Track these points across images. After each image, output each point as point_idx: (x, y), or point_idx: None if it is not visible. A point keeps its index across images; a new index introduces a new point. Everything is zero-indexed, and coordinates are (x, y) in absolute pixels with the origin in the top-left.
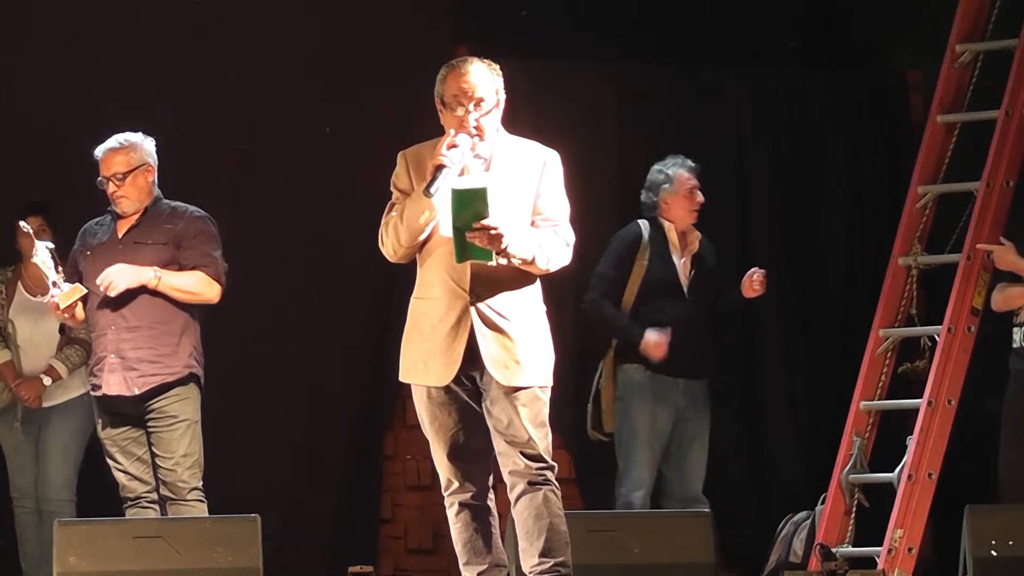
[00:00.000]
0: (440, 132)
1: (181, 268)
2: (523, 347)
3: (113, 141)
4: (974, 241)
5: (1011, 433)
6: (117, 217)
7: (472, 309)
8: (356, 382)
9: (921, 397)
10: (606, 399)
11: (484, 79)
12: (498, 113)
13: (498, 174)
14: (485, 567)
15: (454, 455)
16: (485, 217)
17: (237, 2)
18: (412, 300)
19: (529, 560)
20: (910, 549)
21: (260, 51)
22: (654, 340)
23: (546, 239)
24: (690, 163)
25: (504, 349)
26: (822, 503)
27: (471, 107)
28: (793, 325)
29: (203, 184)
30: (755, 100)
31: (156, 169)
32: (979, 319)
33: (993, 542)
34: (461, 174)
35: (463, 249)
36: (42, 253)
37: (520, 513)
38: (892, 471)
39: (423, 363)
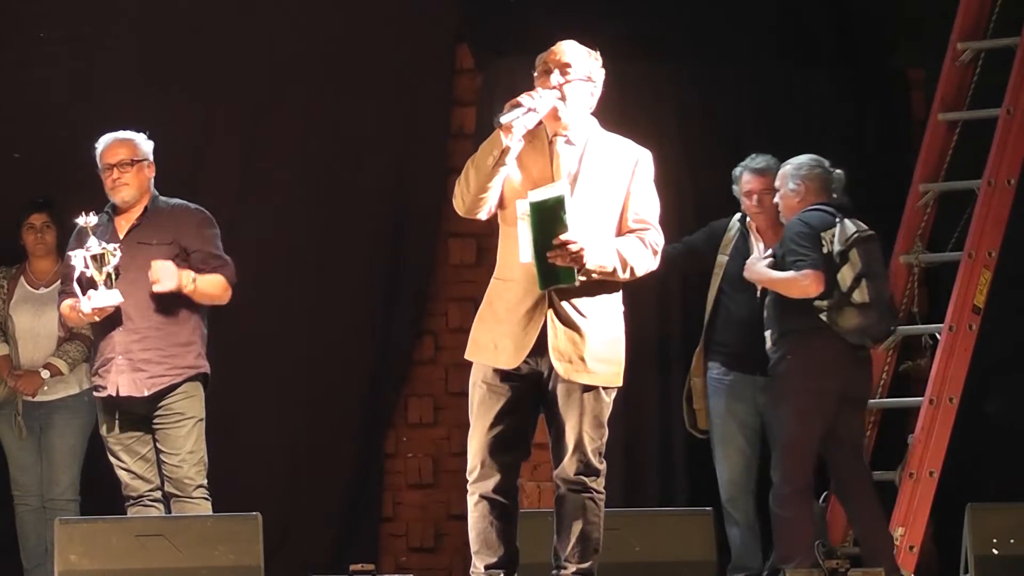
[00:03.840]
0: (440, 131)
1: (190, 269)
2: (593, 345)
3: (116, 134)
4: (976, 239)
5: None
6: (113, 216)
7: (550, 299)
8: (358, 381)
9: (922, 395)
10: (697, 398)
11: (576, 52)
12: (586, 90)
13: (588, 171)
14: (495, 560)
15: (490, 443)
16: (565, 229)
17: (236, 1)
18: (492, 280)
19: (557, 558)
20: (911, 547)
21: (259, 50)
22: None
23: (630, 248)
24: (759, 163)
25: (573, 344)
26: (824, 502)
27: (557, 72)
28: None
29: (202, 182)
30: (756, 97)
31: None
32: (980, 317)
33: (994, 540)
34: (552, 167)
35: (547, 274)
36: (95, 249)
37: (559, 510)
38: (894, 469)
39: (494, 343)
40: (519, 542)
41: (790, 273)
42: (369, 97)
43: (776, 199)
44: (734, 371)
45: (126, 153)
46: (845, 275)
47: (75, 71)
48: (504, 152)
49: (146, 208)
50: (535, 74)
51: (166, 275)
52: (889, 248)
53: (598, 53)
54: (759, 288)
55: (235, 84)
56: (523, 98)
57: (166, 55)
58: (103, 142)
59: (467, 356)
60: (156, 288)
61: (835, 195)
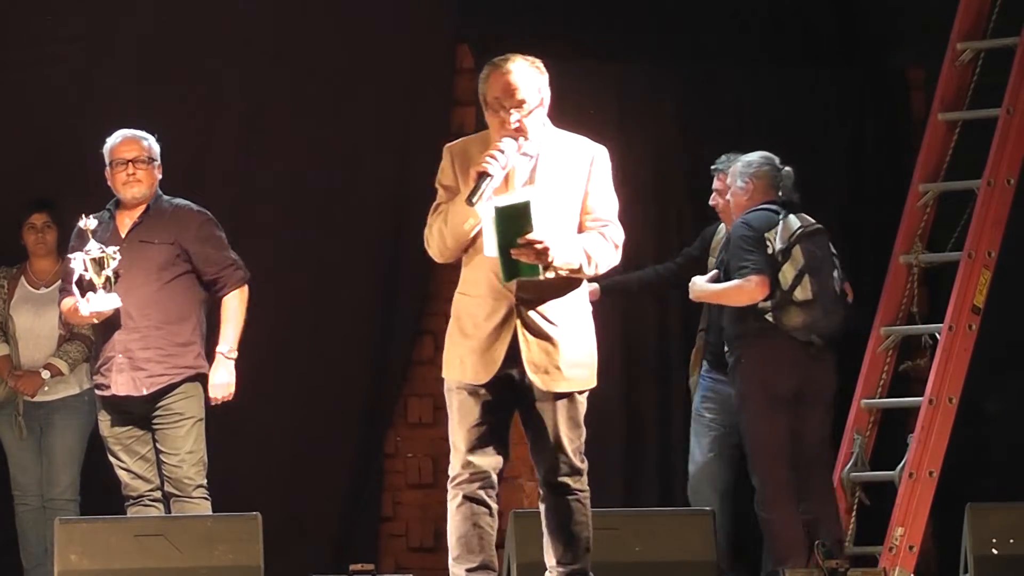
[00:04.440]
0: (440, 131)
1: (192, 273)
2: (567, 352)
3: (129, 132)
4: (975, 239)
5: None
6: (114, 213)
7: (517, 311)
8: (358, 381)
9: (922, 395)
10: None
11: (526, 78)
12: (542, 111)
13: (543, 175)
14: (475, 565)
15: (472, 448)
16: (530, 232)
17: (238, 3)
18: (456, 295)
19: (549, 561)
20: (911, 547)
21: (261, 50)
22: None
23: (593, 244)
24: (721, 162)
25: (547, 355)
26: None
27: (513, 109)
28: None
29: (202, 182)
30: (756, 98)
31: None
32: (980, 317)
33: (994, 540)
34: (506, 179)
35: (510, 268)
36: (94, 252)
37: (544, 514)
38: (893, 469)
39: (460, 360)
40: (516, 541)
41: (734, 282)
42: (369, 97)
43: (728, 196)
44: (715, 370)
45: (141, 150)
46: (786, 273)
47: (76, 71)
48: (478, 221)
49: (148, 207)
50: (481, 99)
51: (230, 385)
52: (889, 248)
53: (540, 63)
54: None
55: (235, 86)
56: (489, 166)
57: (168, 55)
58: (115, 138)
59: (443, 374)
60: (216, 398)
61: (781, 193)
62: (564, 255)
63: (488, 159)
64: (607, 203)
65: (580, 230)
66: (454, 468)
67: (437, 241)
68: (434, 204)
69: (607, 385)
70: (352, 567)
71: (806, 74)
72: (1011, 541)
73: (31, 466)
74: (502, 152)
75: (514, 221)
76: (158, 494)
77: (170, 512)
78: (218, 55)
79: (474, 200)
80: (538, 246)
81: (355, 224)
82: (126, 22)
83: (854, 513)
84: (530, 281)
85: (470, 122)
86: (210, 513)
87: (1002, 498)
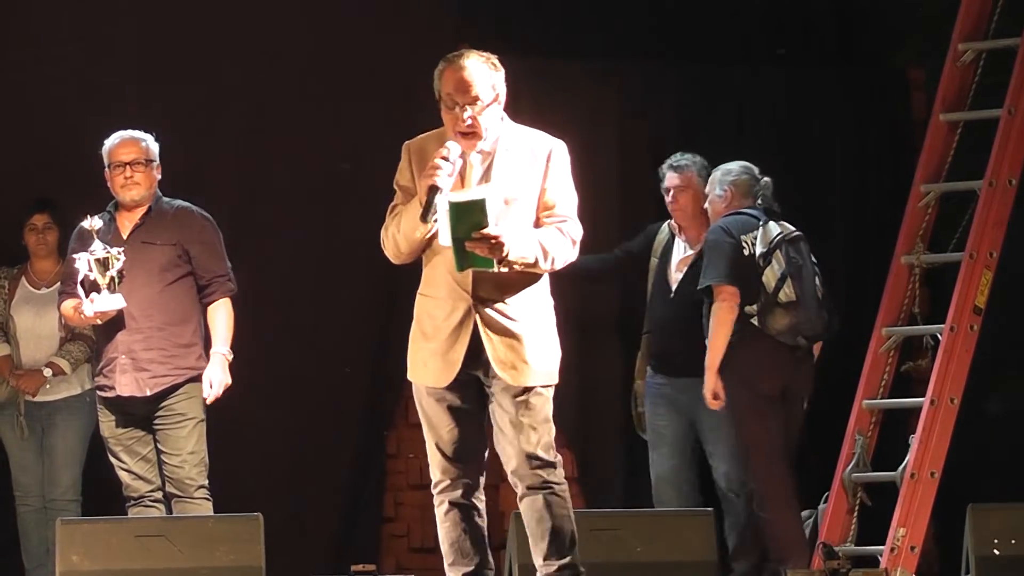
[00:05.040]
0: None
1: (192, 275)
2: (531, 346)
3: (128, 133)
4: (977, 240)
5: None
6: (115, 214)
7: (475, 310)
8: (358, 381)
9: (924, 396)
10: (640, 402)
11: (479, 75)
12: (497, 107)
13: (499, 172)
14: (471, 568)
15: (447, 453)
16: (484, 227)
17: (238, 3)
18: (418, 296)
19: (537, 560)
20: (912, 548)
21: (261, 50)
22: None
23: (549, 239)
24: (677, 160)
25: (512, 350)
26: (825, 502)
27: (467, 105)
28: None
29: (203, 183)
30: (757, 98)
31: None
32: (981, 318)
33: (995, 541)
34: (462, 175)
35: (463, 258)
36: (99, 252)
37: (524, 514)
38: (895, 470)
39: (423, 363)
40: (517, 541)
41: (713, 316)
42: (370, 97)
43: (706, 204)
44: (658, 373)
45: (139, 152)
46: (769, 277)
47: (77, 70)
48: (430, 229)
49: (150, 208)
50: (437, 96)
51: (223, 380)
52: (891, 249)
53: (495, 59)
54: (673, 291)
55: (236, 86)
56: (438, 179)
57: (169, 55)
58: (113, 140)
59: (408, 376)
60: (216, 393)
61: (761, 202)
62: (518, 250)
63: (434, 172)
64: (565, 198)
65: (537, 225)
66: (434, 475)
67: (391, 245)
68: (391, 205)
69: (606, 384)
70: (353, 567)
71: (807, 74)
72: (1012, 542)
73: (32, 466)
74: (447, 160)
75: (468, 215)
76: (159, 495)
77: (171, 513)
78: (218, 55)
79: (428, 218)
80: (492, 240)
81: (355, 223)
82: (126, 21)
83: (856, 514)
84: (487, 279)
85: None
86: (211, 514)
87: (1004, 499)
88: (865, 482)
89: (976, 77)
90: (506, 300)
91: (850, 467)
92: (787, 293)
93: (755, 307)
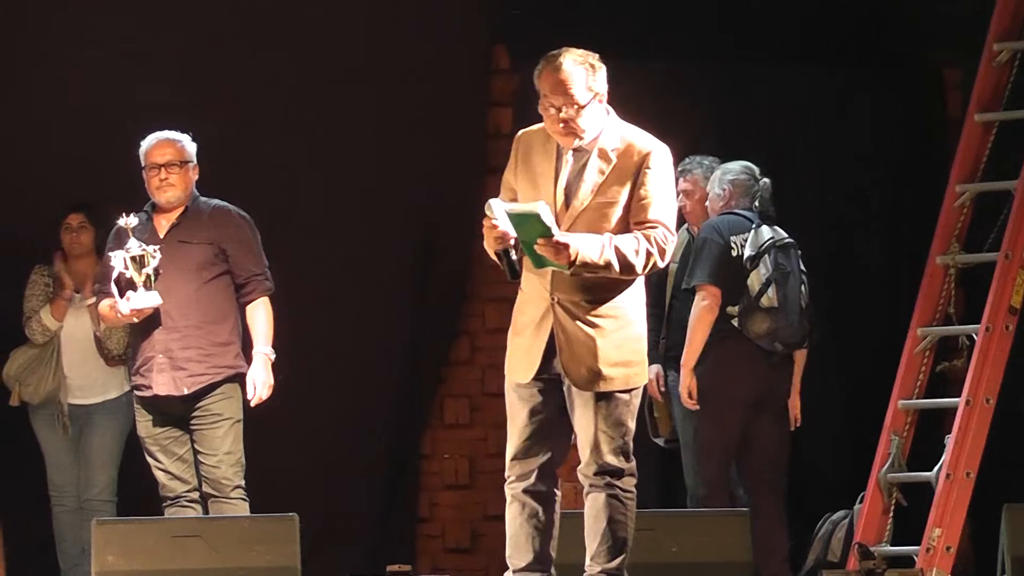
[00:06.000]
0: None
1: (229, 273)
2: (605, 351)
3: (164, 134)
4: (1012, 240)
5: None
6: (152, 214)
7: (554, 309)
8: (394, 381)
9: (959, 396)
10: (657, 406)
11: (576, 76)
12: (597, 106)
13: (591, 172)
14: (523, 564)
15: (516, 448)
16: (548, 235)
17: (276, 6)
18: (518, 292)
19: (587, 556)
20: (948, 548)
21: (298, 54)
22: None
23: (629, 246)
24: (685, 164)
25: (583, 355)
26: (860, 502)
27: (563, 107)
28: (830, 324)
29: (238, 183)
30: (791, 99)
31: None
32: (1017, 318)
33: None
34: (555, 177)
35: (537, 257)
36: (134, 250)
37: (586, 509)
38: (930, 470)
39: (510, 358)
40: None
41: (692, 314)
42: (405, 98)
43: (707, 203)
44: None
45: (174, 154)
46: (754, 280)
47: (115, 72)
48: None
49: (186, 208)
50: (539, 92)
51: (266, 382)
52: (926, 249)
53: (593, 56)
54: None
55: (272, 87)
56: (495, 243)
57: (205, 59)
58: (150, 141)
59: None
60: (261, 396)
61: (758, 204)
62: (588, 256)
63: (488, 240)
64: (657, 204)
65: (627, 229)
66: (506, 469)
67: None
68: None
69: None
70: (389, 568)
71: (842, 75)
72: None
73: (68, 467)
74: (493, 223)
75: (526, 224)
76: (195, 495)
77: (208, 513)
78: (254, 59)
79: (513, 277)
80: (557, 245)
81: (391, 224)
82: (165, 24)
83: (891, 514)
84: (565, 280)
85: (506, 123)
86: (248, 514)
87: None
88: (901, 482)
89: (1011, 77)
90: (584, 302)
91: (886, 467)
92: (770, 298)
93: (736, 308)
